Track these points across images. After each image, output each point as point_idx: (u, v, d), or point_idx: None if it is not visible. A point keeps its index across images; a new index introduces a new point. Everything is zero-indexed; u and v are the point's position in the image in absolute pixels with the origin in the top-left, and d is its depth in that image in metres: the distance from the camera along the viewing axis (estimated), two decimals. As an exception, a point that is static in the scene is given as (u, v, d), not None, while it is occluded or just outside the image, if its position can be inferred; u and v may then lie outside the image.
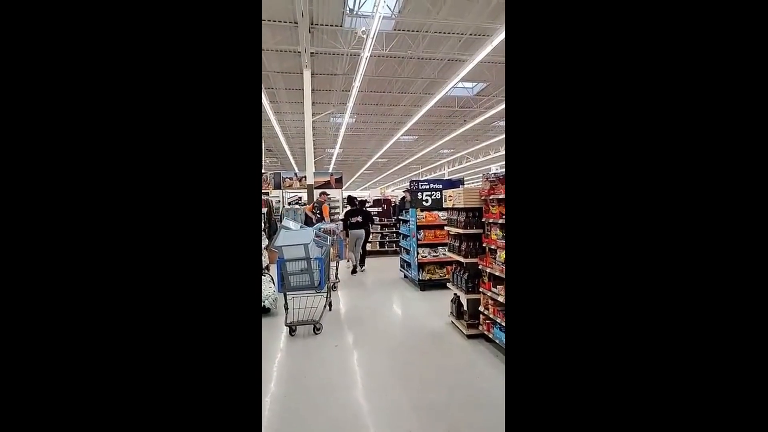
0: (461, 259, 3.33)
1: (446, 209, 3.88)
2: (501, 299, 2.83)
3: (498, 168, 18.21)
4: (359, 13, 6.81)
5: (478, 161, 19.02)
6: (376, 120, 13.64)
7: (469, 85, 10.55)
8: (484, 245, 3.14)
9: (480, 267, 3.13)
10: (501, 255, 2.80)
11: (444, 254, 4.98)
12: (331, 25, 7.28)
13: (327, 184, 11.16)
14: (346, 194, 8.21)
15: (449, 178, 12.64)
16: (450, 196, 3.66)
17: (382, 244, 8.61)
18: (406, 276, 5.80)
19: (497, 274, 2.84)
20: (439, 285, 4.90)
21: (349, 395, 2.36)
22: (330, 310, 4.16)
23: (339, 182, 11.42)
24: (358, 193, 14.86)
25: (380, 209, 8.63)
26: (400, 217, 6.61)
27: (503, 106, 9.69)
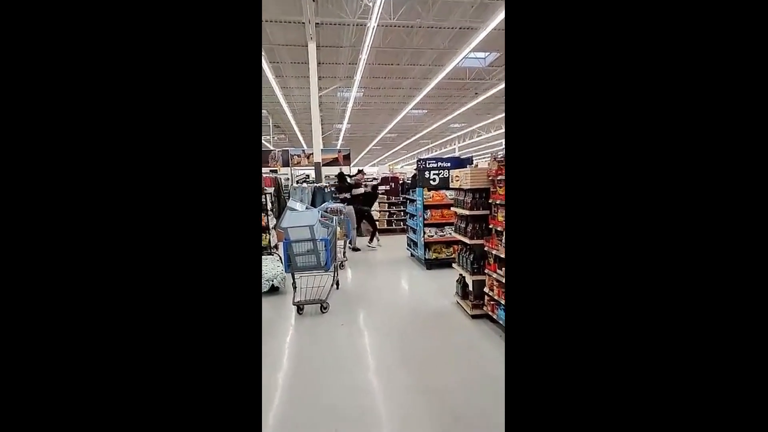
0: (467, 241, 3.30)
1: (453, 189, 3.81)
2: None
3: (510, 142, 17.66)
4: (365, -21, 6.45)
5: (490, 135, 18.51)
6: (385, 93, 13.27)
7: (481, 55, 10.08)
8: (490, 227, 3.09)
9: (486, 248, 3.10)
10: (507, 238, 2.76)
11: (450, 234, 4.96)
12: (336, -7, 6.95)
13: (335, 161, 11.08)
14: (337, 171, 8.30)
15: (458, 156, 12.32)
16: (456, 176, 3.58)
17: (389, 222, 8.61)
18: (412, 255, 5.82)
19: (503, 256, 2.81)
20: (446, 264, 4.92)
21: (354, 375, 2.43)
22: (337, 288, 4.23)
23: (347, 159, 11.32)
24: (368, 170, 14.75)
25: (388, 187, 8.55)
26: (407, 197, 6.55)
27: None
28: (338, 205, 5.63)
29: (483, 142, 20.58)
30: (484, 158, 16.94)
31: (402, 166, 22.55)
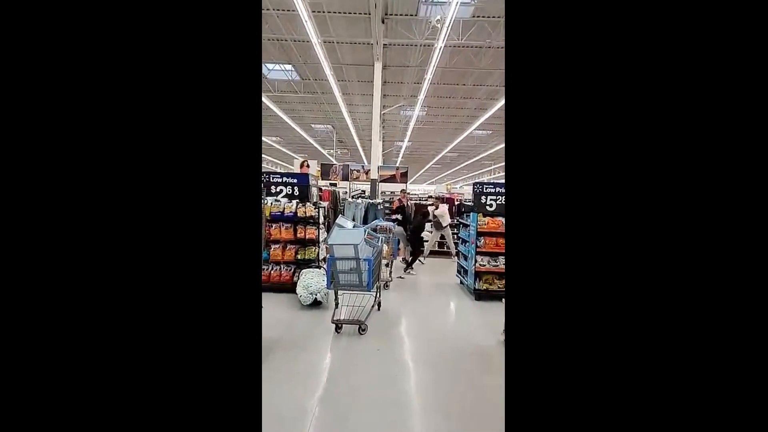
0: (521, 277, 2.98)
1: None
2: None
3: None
4: (436, 0, 6.51)
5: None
6: (449, 113, 13.16)
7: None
8: (549, 265, 2.75)
9: (542, 289, 2.76)
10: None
11: (504, 265, 4.57)
12: (406, 15, 7.10)
13: (392, 178, 11.16)
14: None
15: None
16: (515, 204, 3.29)
17: (440, 245, 8.31)
18: (462, 282, 5.50)
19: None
20: (496, 297, 4.55)
21: (384, 413, 2.27)
22: (378, 309, 4.11)
23: (404, 176, 11.33)
24: (425, 188, 14.63)
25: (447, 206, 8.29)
26: (461, 220, 6.27)
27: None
28: (388, 223, 5.57)
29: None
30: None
31: (461, 186, 21.97)
